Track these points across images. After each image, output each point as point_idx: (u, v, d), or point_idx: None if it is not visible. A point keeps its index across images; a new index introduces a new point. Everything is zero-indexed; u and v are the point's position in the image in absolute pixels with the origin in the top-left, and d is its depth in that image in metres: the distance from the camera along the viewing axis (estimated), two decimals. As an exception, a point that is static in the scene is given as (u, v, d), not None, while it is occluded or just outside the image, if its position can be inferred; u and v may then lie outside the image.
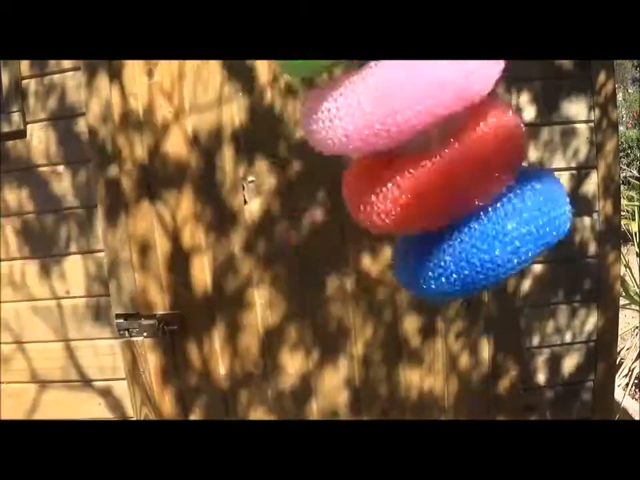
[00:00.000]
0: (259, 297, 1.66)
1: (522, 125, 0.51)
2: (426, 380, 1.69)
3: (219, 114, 1.59)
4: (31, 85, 1.62)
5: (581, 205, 1.62)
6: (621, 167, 5.47)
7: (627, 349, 2.83)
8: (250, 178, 1.61)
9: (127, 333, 1.67)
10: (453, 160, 0.47)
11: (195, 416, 1.73)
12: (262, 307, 1.66)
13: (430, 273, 0.50)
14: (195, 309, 1.67)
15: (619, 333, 1.78)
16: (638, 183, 4.58)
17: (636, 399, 2.60)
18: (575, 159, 1.60)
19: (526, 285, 1.64)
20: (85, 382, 1.74)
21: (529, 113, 1.58)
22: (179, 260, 1.65)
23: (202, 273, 1.65)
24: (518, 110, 1.58)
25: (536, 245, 0.48)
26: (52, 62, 1.60)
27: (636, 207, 3.52)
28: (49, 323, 1.72)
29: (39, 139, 1.65)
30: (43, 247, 1.69)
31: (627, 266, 2.92)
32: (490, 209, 0.49)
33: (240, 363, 1.69)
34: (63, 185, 1.66)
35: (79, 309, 1.70)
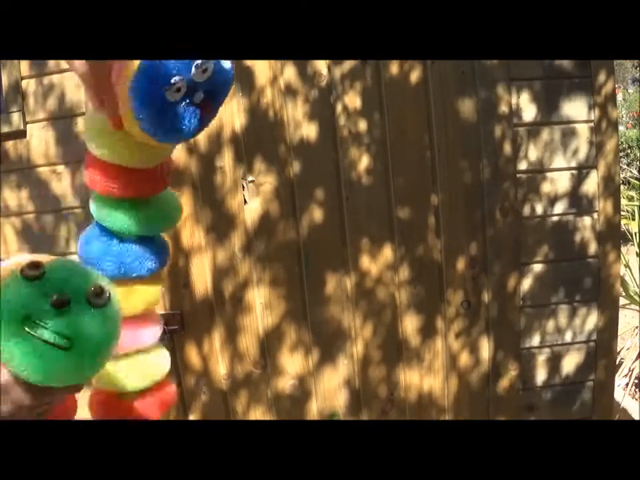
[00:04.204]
0: (259, 297, 1.66)
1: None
2: (426, 380, 1.69)
3: (219, 114, 1.58)
4: (31, 85, 1.62)
5: (581, 204, 1.62)
6: (621, 167, 5.46)
7: (627, 349, 2.83)
8: (250, 178, 1.61)
9: (126, 332, 1.67)
10: None
11: (194, 416, 1.73)
12: (262, 307, 1.66)
13: None
14: (195, 308, 1.67)
15: (619, 332, 1.78)
16: (638, 182, 4.58)
17: (636, 399, 2.60)
18: (575, 159, 1.60)
19: (526, 284, 1.64)
20: (85, 382, 1.73)
21: (529, 112, 1.58)
22: (179, 260, 1.65)
23: (202, 273, 1.65)
24: (518, 110, 1.58)
25: None
26: (51, 62, 1.59)
27: (636, 207, 3.53)
28: (49, 322, 1.72)
29: (39, 139, 1.65)
30: (42, 246, 1.69)
31: (626, 266, 2.92)
32: None
33: (240, 363, 1.69)
34: (63, 184, 1.66)
35: (78, 308, 1.70)
